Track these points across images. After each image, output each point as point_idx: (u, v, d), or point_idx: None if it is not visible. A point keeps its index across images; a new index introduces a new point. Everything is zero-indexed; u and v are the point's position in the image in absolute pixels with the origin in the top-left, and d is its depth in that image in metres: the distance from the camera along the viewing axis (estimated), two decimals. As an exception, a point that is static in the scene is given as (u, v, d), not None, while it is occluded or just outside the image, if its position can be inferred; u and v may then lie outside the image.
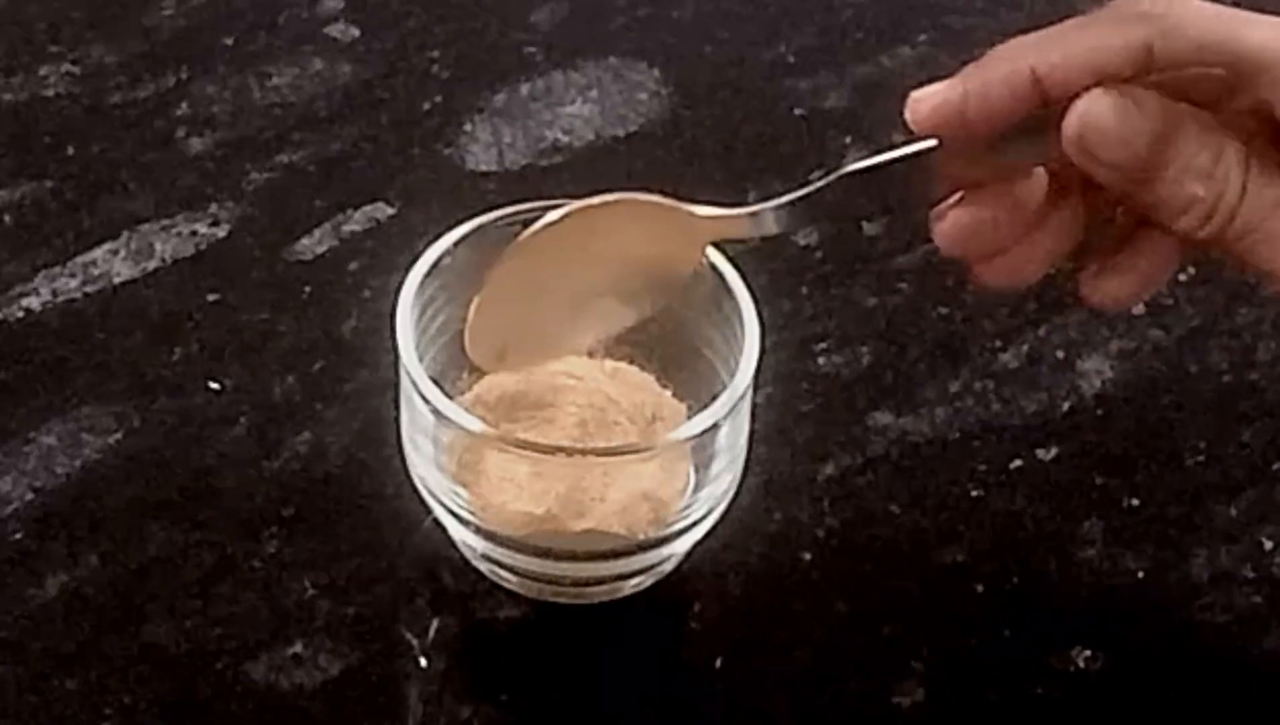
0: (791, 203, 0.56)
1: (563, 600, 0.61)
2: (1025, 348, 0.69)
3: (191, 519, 0.63)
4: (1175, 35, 0.51)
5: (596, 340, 0.61)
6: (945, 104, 0.53)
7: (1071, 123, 0.51)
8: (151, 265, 0.71)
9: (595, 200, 0.57)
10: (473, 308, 0.58)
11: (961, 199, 0.54)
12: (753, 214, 0.57)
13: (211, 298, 0.70)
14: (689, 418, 0.61)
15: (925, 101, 0.53)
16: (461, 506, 0.59)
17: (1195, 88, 0.51)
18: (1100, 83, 0.51)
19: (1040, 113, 0.52)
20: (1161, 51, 0.51)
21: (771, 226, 0.56)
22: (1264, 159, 0.51)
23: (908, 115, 0.53)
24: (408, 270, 0.60)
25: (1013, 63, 0.52)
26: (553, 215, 0.57)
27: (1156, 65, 0.51)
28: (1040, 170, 0.54)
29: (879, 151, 0.54)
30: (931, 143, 0.53)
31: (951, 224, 0.54)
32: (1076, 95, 0.51)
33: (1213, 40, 0.51)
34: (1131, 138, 0.50)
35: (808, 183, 0.55)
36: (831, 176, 0.55)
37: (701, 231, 0.58)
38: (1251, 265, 0.51)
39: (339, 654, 0.60)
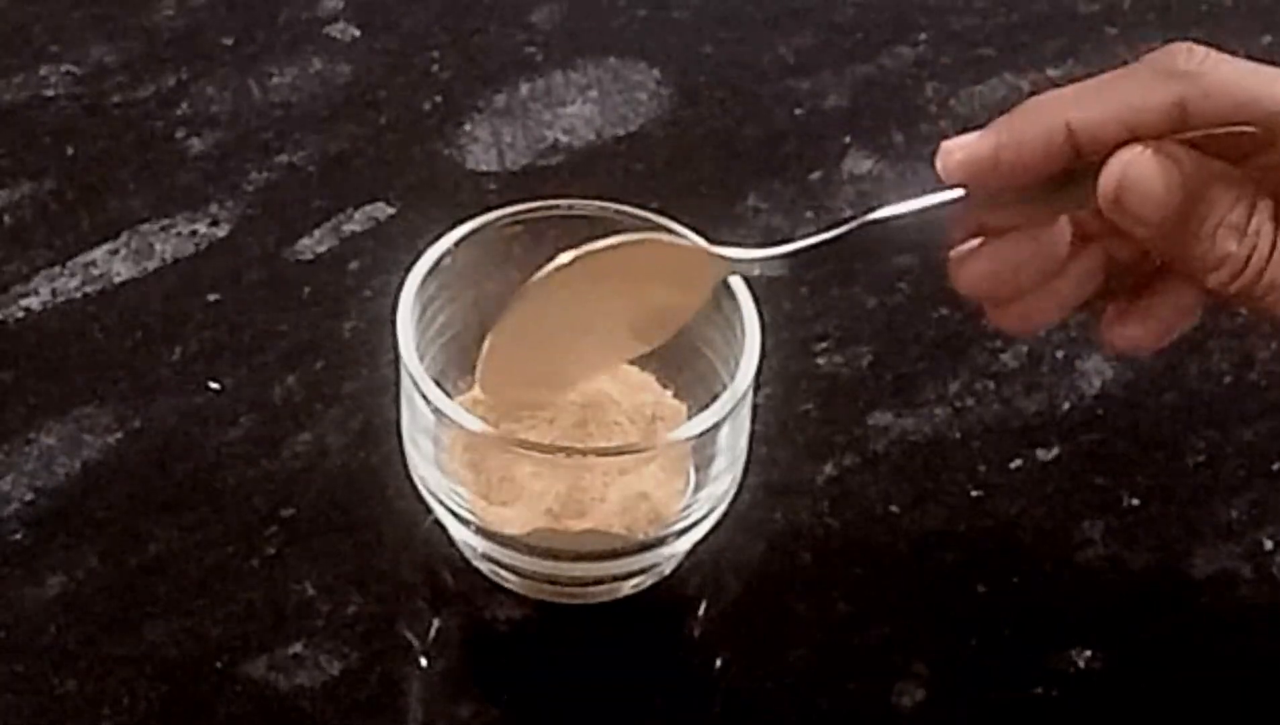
0: (809, 248, 0.56)
1: (563, 600, 0.61)
2: (1025, 348, 0.69)
3: (191, 519, 0.63)
4: (1210, 92, 0.51)
5: (608, 370, 0.61)
6: (977, 156, 0.53)
7: (1109, 180, 0.51)
8: (151, 265, 0.71)
9: (604, 242, 0.57)
10: (484, 349, 0.58)
11: (982, 244, 0.54)
12: (769, 257, 0.57)
13: (211, 298, 0.70)
14: (689, 418, 0.61)
15: (956, 152, 0.53)
16: (461, 506, 0.59)
17: (1226, 142, 0.51)
18: (1134, 140, 0.51)
19: (1071, 166, 0.52)
20: (1195, 108, 0.51)
21: (783, 269, 0.57)
22: None
23: (938, 165, 0.53)
24: (408, 270, 0.60)
25: (1048, 117, 0.52)
26: (563, 258, 0.57)
27: (1190, 122, 0.51)
28: (1063, 218, 0.54)
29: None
30: (958, 193, 0.53)
31: (971, 270, 0.54)
32: (1110, 151, 0.51)
33: (1246, 97, 0.51)
34: (1168, 196, 0.50)
35: (829, 226, 0.55)
36: (853, 224, 0.55)
37: (713, 269, 0.58)
38: (1278, 318, 0.52)
39: (339, 654, 0.60)
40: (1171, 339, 0.56)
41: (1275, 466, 0.66)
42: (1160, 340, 0.56)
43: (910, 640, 0.61)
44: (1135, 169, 0.51)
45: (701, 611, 0.62)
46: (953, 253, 0.54)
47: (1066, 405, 0.68)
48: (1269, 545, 0.64)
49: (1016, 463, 0.66)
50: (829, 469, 0.66)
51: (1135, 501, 0.65)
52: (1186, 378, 0.69)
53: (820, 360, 0.69)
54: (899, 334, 0.70)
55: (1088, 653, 0.61)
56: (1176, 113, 0.51)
